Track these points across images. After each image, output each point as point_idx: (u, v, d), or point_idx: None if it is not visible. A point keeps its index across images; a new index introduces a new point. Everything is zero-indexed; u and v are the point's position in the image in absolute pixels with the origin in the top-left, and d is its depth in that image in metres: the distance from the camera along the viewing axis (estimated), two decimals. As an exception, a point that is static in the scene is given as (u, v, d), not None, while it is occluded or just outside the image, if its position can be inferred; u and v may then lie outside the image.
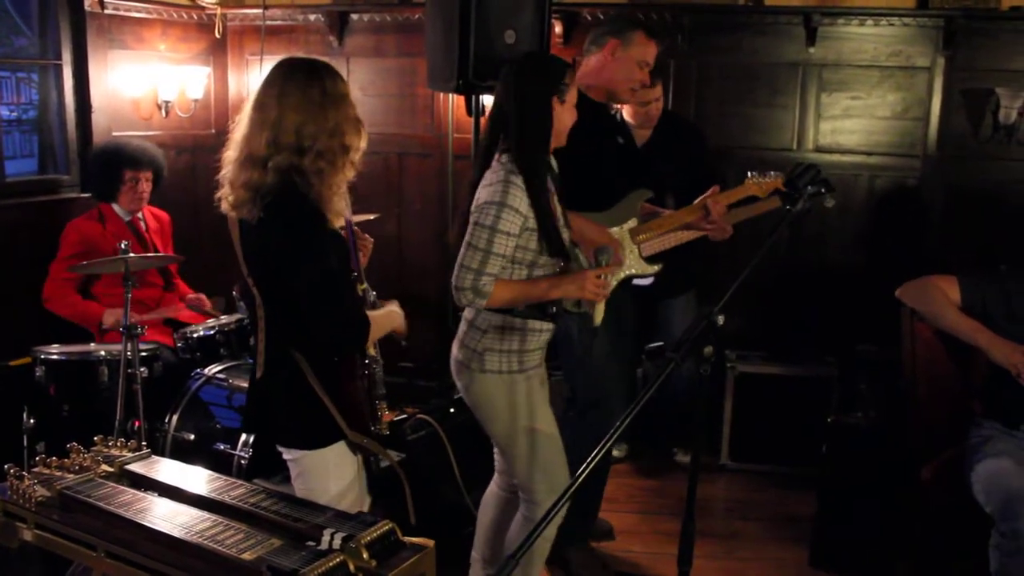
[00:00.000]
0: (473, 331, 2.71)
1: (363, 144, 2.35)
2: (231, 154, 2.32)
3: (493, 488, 3.00)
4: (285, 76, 2.28)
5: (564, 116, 2.64)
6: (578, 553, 3.46)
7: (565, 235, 2.70)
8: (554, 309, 2.72)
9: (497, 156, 2.62)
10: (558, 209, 2.73)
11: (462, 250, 2.57)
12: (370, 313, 2.40)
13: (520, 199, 2.53)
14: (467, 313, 2.75)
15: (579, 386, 3.02)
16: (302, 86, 2.26)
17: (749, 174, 3.32)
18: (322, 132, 2.24)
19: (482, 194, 2.58)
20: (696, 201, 3.30)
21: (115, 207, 4.19)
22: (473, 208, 2.60)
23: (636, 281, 3.38)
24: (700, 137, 4.29)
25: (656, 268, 3.31)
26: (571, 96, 2.65)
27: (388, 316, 2.54)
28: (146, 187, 4.21)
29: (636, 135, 4.06)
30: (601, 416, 3.07)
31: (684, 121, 4.35)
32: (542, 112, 2.60)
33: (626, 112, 4.02)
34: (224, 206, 2.34)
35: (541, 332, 2.73)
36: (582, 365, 3.10)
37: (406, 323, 2.61)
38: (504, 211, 2.51)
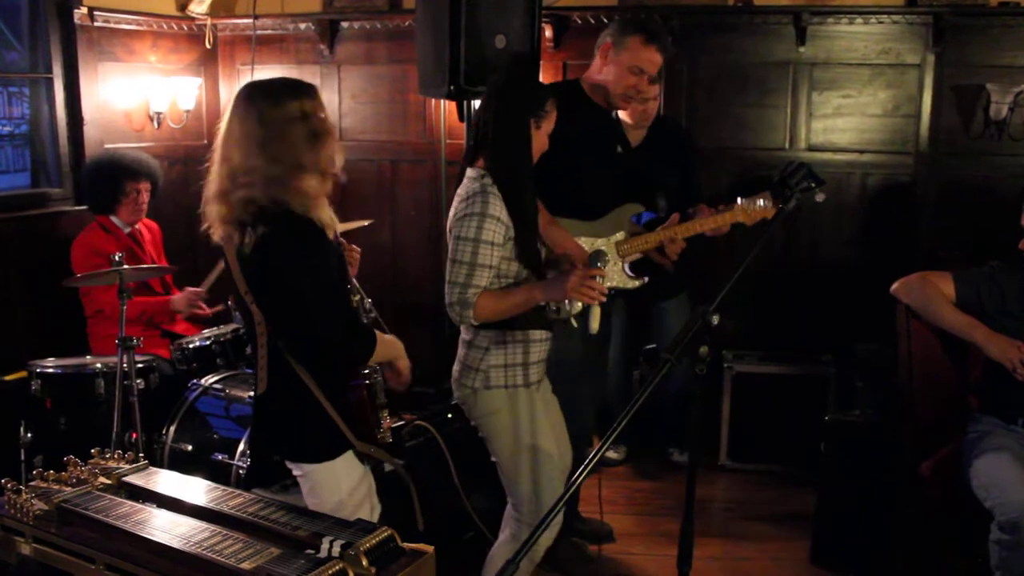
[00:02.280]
0: (474, 350, 2.69)
1: (329, 152, 2.27)
2: (207, 191, 2.32)
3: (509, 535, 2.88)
4: (232, 109, 2.27)
5: (536, 142, 2.61)
6: (562, 546, 3.46)
7: (541, 251, 2.69)
8: (556, 311, 2.70)
9: (472, 165, 2.62)
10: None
11: (448, 267, 2.55)
12: (378, 333, 2.39)
13: (500, 208, 2.52)
14: (464, 335, 2.73)
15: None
16: (241, 119, 2.24)
17: (739, 200, 3.30)
18: (265, 163, 2.20)
19: (460, 207, 2.56)
20: (691, 223, 3.31)
21: (114, 219, 4.18)
22: (451, 222, 2.59)
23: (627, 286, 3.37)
24: (690, 141, 4.30)
25: (638, 283, 3.31)
26: (547, 124, 2.62)
27: (393, 342, 2.51)
28: (145, 198, 4.21)
29: (630, 135, 4.06)
30: (569, 418, 3.05)
31: (676, 124, 4.35)
32: (519, 134, 2.58)
33: (622, 112, 4.02)
34: (215, 238, 2.33)
35: (542, 341, 2.72)
36: (555, 368, 3.10)
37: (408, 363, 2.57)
38: (486, 221, 2.50)
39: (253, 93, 2.26)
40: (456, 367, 2.75)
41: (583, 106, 3.29)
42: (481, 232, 2.50)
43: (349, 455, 2.38)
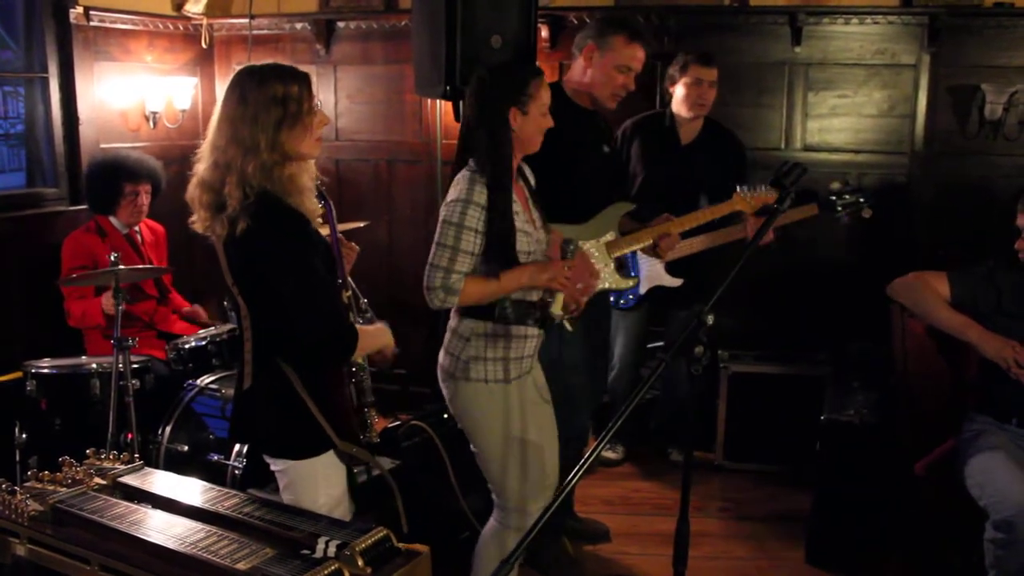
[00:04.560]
0: (457, 339, 2.69)
1: (295, 138, 2.23)
2: (194, 178, 2.31)
3: (493, 524, 2.87)
4: (224, 96, 2.26)
5: (528, 125, 2.60)
6: (546, 548, 3.45)
7: (534, 237, 2.67)
8: (539, 315, 2.70)
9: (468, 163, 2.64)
10: (534, 214, 2.71)
11: (432, 249, 2.57)
12: (360, 327, 2.38)
13: (485, 196, 2.54)
14: (451, 321, 2.73)
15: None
16: (226, 100, 2.24)
17: (738, 188, 3.32)
18: (239, 144, 2.19)
19: (450, 193, 2.60)
20: (684, 218, 3.31)
21: (113, 220, 4.17)
22: (442, 208, 2.61)
23: (665, 284, 3.37)
24: (742, 150, 4.28)
25: (631, 283, 3.31)
26: (536, 105, 2.60)
27: (377, 332, 2.50)
28: (145, 200, 4.20)
29: (682, 132, 4.07)
30: (562, 421, 3.06)
31: (728, 131, 4.33)
32: (499, 126, 2.57)
33: (679, 103, 4.04)
34: (198, 228, 2.32)
35: (527, 339, 2.70)
36: (552, 369, 3.09)
37: (394, 340, 2.56)
38: (469, 207, 2.52)
39: (242, 75, 2.26)
40: (441, 353, 2.76)
41: (566, 109, 3.27)
42: (464, 218, 2.52)
43: (330, 455, 2.35)
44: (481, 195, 2.54)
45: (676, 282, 3.36)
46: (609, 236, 3.26)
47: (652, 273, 3.96)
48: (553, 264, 2.61)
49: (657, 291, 4.01)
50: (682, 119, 4.07)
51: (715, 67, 4.03)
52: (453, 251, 2.53)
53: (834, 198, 3.62)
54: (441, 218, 2.57)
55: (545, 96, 2.63)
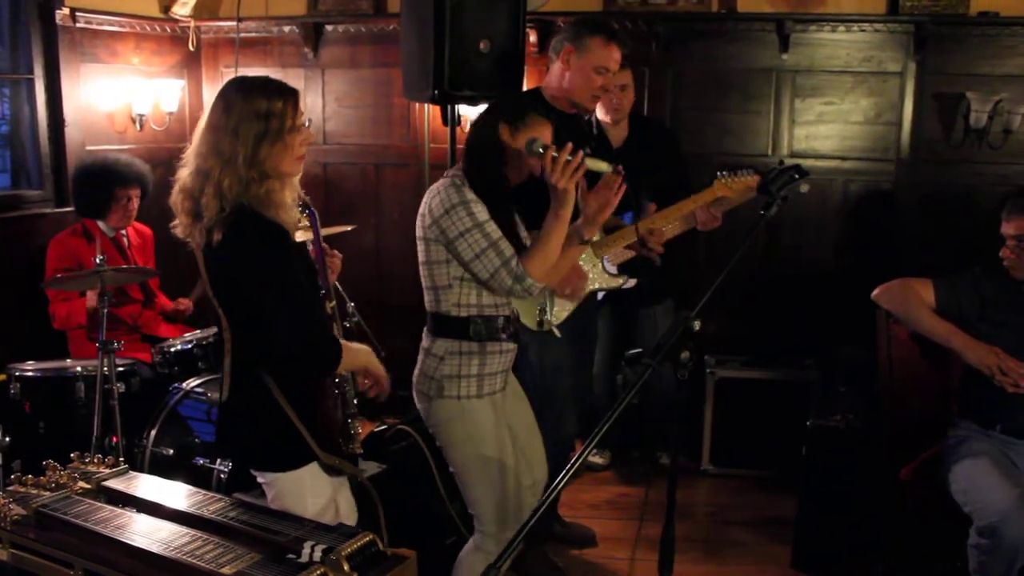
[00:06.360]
0: (431, 359, 2.67)
1: (275, 156, 2.21)
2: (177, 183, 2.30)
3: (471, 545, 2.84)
4: (212, 103, 2.25)
5: (515, 153, 2.58)
6: (531, 554, 3.44)
7: None
8: (512, 329, 2.70)
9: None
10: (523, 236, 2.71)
11: (473, 268, 2.54)
12: (345, 343, 2.35)
13: (471, 194, 2.53)
14: (424, 342, 2.72)
15: (532, 395, 3.02)
16: (212, 108, 2.23)
17: (718, 174, 3.31)
18: (219, 156, 2.18)
19: (433, 206, 2.56)
20: (669, 209, 3.31)
21: (100, 223, 4.15)
22: (429, 228, 2.58)
23: (625, 286, 3.36)
24: (674, 138, 4.31)
25: (621, 280, 3.30)
26: (527, 134, 2.56)
27: (361, 352, 2.46)
28: (135, 204, 4.18)
29: (612, 136, 4.07)
30: (550, 424, 3.05)
31: (656, 123, 4.37)
32: (488, 135, 2.58)
33: (599, 111, 4.02)
34: (179, 232, 2.32)
35: (502, 353, 2.69)
36: (538, 373, 3.08)
37: (382, 365, 2.51)
38: (471, 205, 2.51)
39: (230, 85, 2.26)
40: (415, 373, 2.74)
41: (547, 114, 3.28)
42: (475, 216, 2.51)
43: (315, 466, 2.33)
44: (470, 193, 2.53)
45: (630, 283, 3.34)
46: (594, 236, 3.25)
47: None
48: (553, 169, 2.50)
49: (612, 293, 3.99)
50: (606, 123, 4.07)
51: (627, 70, 3.97)
52: (493, 246, 2.51)
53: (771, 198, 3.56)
54: (452, 236, 2.52)
55: (537, 133, 2.59)
